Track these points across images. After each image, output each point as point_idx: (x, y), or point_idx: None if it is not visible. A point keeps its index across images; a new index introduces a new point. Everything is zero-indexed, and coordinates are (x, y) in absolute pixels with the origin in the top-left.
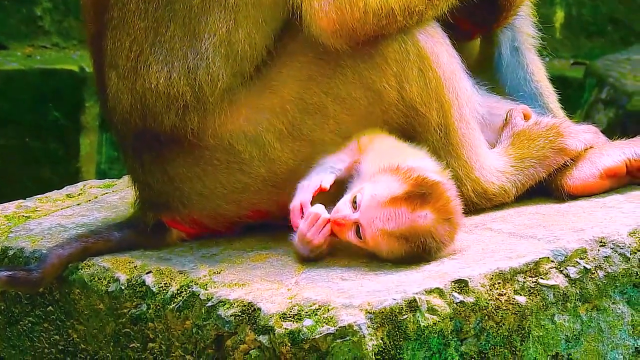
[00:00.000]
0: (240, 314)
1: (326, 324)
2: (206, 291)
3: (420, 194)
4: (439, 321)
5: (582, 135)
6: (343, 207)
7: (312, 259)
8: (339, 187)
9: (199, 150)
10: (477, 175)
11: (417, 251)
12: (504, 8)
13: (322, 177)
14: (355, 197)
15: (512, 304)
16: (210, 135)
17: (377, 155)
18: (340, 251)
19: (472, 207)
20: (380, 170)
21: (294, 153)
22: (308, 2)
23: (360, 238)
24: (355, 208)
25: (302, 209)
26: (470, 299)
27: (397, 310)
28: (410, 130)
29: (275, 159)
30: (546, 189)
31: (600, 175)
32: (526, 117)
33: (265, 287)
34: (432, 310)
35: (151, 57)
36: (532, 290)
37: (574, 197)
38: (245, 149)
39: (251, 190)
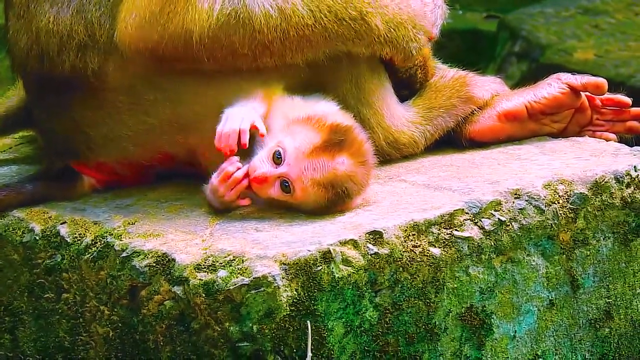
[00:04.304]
0: (154, 264)
1: (241, 275)
2: (120, 242)
3: (337, 141)
4: (353, 272)
5: (488, 84)
6: (261, 164)
7: (222, 211)
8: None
9: (102, 92)
10: (388, 123)
11: (340, 197)
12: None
13: (251, 114)
14: (275, 152)
15: (427, 255)
16: (112, 77)
17: (281, 110)
18: (254, 202)
19: (383, 157)
20: (292, 122)
21: (200, 96)
22: (122, 6)
23: (287, 192)
24: (276, 163)
25: (237, 135)
26: (384, 251)
27: (312, 262)
28: (320, 79)
29: (181, 101)
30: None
31: (498, 117)
32: None
33: (179, 238)
34: (346, 261)
35: None
36: (446, 242)
37: (473, 142)
38: (148, 91)
39: (157, 132)
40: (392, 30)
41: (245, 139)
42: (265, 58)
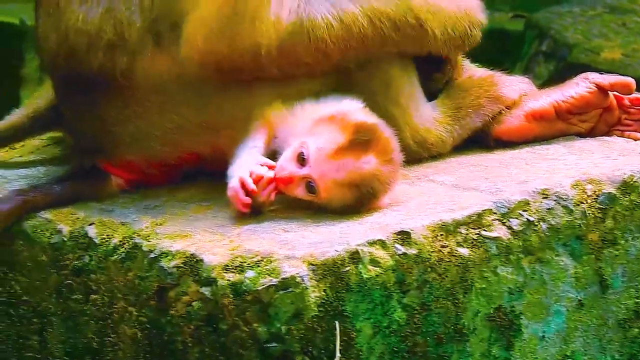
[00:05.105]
0: (182, 265)
1: (268, 275)
2: (148, 242)
3: (362, 140)
4: (381, 273)
5: (516, 84)
6: (286, 164)
7: (253, 213)
8: None
9: (130, 91)
10: (416, 122)
11: (367, 196)
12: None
13: (252, 156)
14: (300, 152)
15: (455, 256)
16: (140, 75)
17: (303, 114)
18: (281, 203)
19: (411, 156)
20: (316, 122)
21: (229, 96)
22: (188, 20)
23: (312, 193)
24: (301, 163)
25: (243, 186)
26: (412, 251)
27: (340, 262)
28: (349, 79)
29: (210, 101)
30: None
31: (526, 117)
32: None
33: (207, 238)
34: (374, 262)
35: None
36: (474, 242)
37: (501, 142)
38: (177, 91)
39: (185, 131)
40: (449, 31)
41: (251, 186)
42: (324, 65)
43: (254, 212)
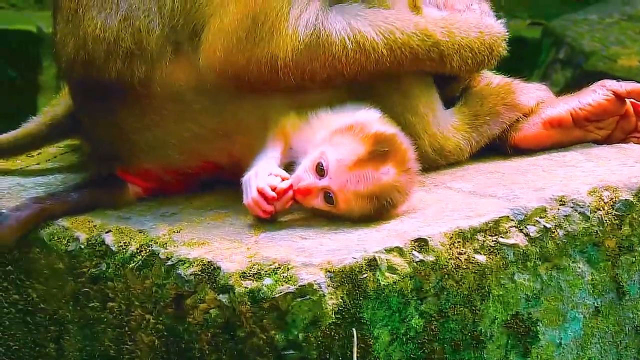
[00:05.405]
0: (199, 273)
1: (286, 282)
2: (166, 250)
3: (382, 151)
4: (398, 280)
5: (533, 92)
6: (305, 175)
7: (268, 220)
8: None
9: (147, 99)
10: (434, 130)
11: (386, 207)
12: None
13: (268, 166)
14: (318, 163)
15: (472, 263)
16: (159, 84)
17: (321, 123)
18: (299, 210)
19: (428, 164)
20: (334, 132)
21: (244, 104)
22: (208, 29)
23: (331, 203)
24: (319, 174)
25: (262, 195)
26: (430, 258)
27: (357, 269)
28: (367, 89)
29: (226, 109)
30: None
31: (543, 125)
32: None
33: (224, 246)
34: (392, 269)
35: (89, 1)
36: (492, 249)
37: (518, 149)
38: (195, 99)
39: (202, 140)
40: (468, 62)
41: (271, 194)
42: (338, 80)
43: (268, 220)
